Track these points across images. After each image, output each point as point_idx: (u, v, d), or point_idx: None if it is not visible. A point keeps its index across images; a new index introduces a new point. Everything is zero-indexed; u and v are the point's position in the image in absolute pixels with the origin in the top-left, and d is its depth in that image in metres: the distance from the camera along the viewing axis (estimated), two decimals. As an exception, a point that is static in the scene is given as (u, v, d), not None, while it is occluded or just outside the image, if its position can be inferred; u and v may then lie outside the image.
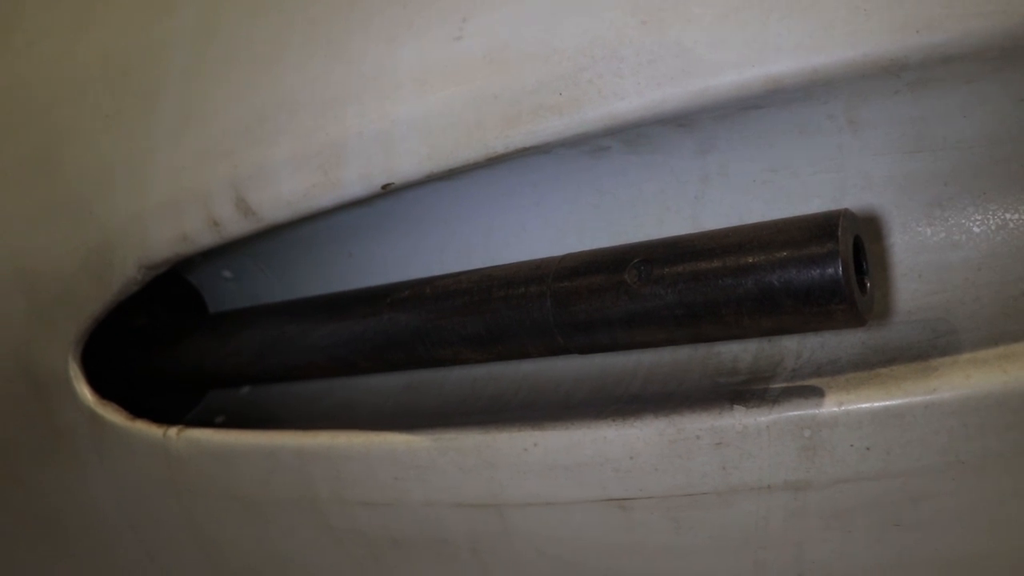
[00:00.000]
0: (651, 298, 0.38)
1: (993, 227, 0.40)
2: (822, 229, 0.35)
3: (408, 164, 0.42)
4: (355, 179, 0.43)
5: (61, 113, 0.51)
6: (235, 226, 0.45)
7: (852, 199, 0.42)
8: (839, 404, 0.38)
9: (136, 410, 0.51)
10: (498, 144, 0.41)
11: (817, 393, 0.39)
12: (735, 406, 0.40)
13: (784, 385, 0.41)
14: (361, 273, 0.52)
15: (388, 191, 0.43)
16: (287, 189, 0.44)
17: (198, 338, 0.51)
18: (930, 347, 0.40)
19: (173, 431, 0.49)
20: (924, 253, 0.41)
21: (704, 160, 0.43)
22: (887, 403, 0.38)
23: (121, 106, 0.49)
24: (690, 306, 0.37)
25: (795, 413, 0.38)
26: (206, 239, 0.46)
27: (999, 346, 0.38)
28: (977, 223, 0.40)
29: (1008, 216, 0.40)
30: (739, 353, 0.43)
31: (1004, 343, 0.38)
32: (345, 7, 0.45)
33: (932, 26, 0.36)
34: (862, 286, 0.37)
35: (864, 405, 0.38)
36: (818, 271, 0.35)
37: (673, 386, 0.43)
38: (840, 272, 0.34)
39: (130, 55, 0.50)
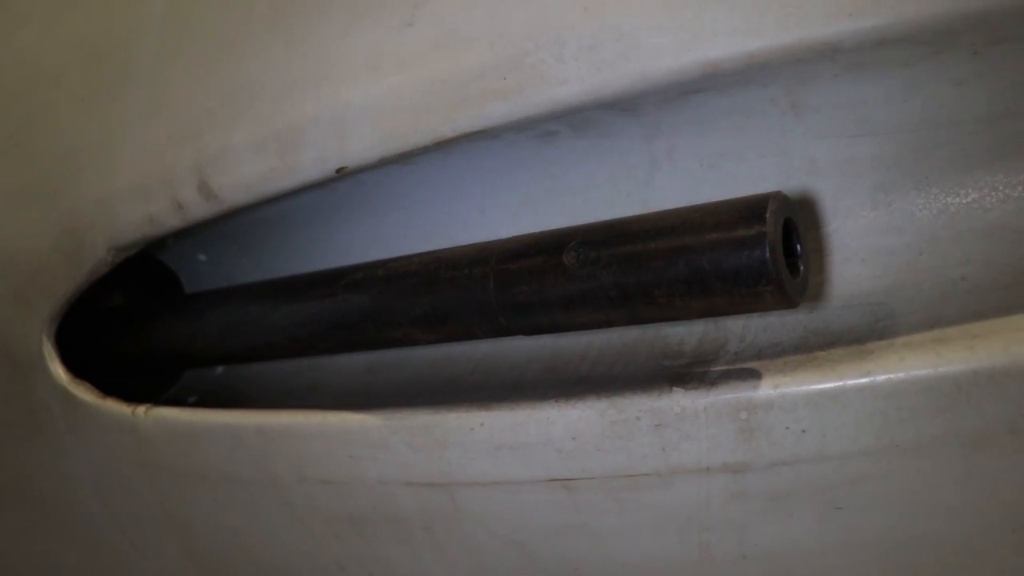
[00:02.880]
0: (587, 279, 0.38)
1: (934, 212, 0.40)
2: (751, 211, 0.35)
3: (361, 148, 0.43)
4: (311, 163, 0.44)
5: (38, 96, 0.52)
6: (198, 209, 0.46)
7: (797, 183, 0.42)
8: (775, 387, 0.39)
9: (112, 389, 0.52)
10: (446, 128, 0.42)
11: (755, 376, 0.39)
12: (674, 388, 0.40)
13: (724, 368, 0.41)
14: (330, 255, 0.53)
15: (343, 175, 0.44)
16: (247, 173, 0.45)
17: (168, 319, 0.52)
18: (869, 331, 0.40)
19: (141, 409, 0.50)
20: (867, 237, 0.41)
21: (651, 145, 0.44)
22: (822, 386, 0.38)
23: (95, 90, 0.51)
24: (624, 287, 0.38)
25: (732, 395, 0.39)
26: (172, 222, 0.47)
27: (935, 330, 0.38)
28: (919, 208, 0.40)
29: (949, 201, 0.40)
30: (685, 336, 0.44)
31: (940, 327, 0.39)
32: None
33: (865, 9, 0.36)
34: (794, 268, 0.37)
35: (800, 388, 0.38)
36: (746, 253, 0.35)
37: (619, 368, 0.44)
38: (767, 254, 0.34)
39: (104, 40, 0.52)
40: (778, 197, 0.36)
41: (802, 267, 0.37)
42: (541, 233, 0.41)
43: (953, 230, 0.40)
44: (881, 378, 0.37)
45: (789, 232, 0.37)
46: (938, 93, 0.39)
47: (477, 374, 0.47)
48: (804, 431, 0.38)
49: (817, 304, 0.42)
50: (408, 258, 0.44)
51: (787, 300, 0.36)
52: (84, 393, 0.51)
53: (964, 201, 0.40)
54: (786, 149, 0.42)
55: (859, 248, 0.41)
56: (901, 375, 0.37)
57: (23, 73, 0.54)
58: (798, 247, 0.37)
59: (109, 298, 0.56)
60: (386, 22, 0.43)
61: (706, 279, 0.36)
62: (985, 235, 0.39)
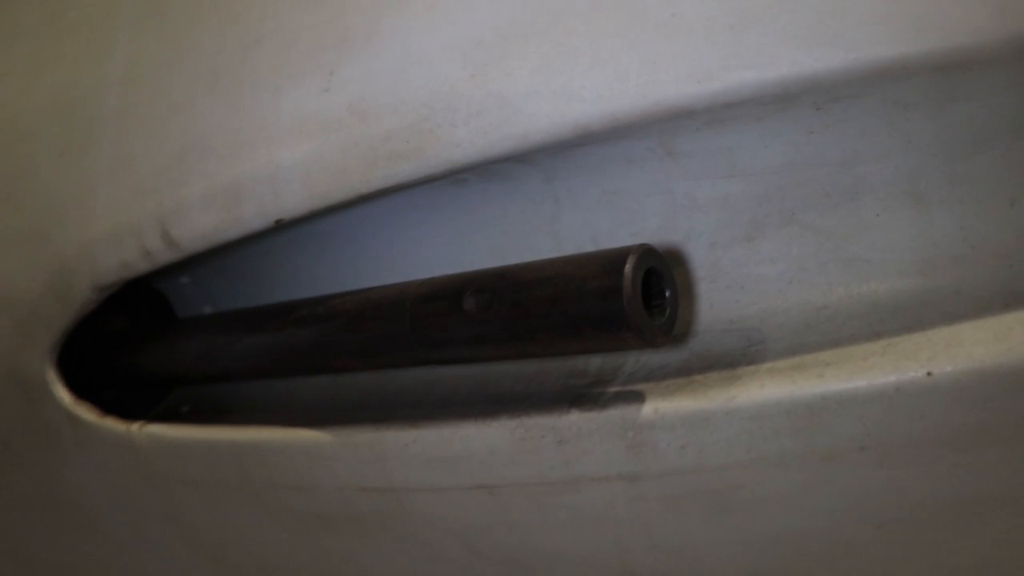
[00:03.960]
0: (483, 323, 0.43)
1: (801, 244, 0.44)
2: (612, 265, 0.40)
3: (294, 203, 0.48)
4: (253, 216, 0.50)
5: (20, 150, 0.58)
6: (163, 255, 0.52)
7: (682, 217, 0.46)
8: (655, 409, 0.44)
9: (114, 404, 0.59)
10: (361, 186, 0.47)
11: (640, 399, 0.44)
12: (572, 409, 0.45)
13: (617, 389, 0.46)
14: (292, 282, 0.58)
15: (282, 225, 0.49)
16: (200, 224, 0.51)
17: (154, 344, 0.58)
18: (741, 356, 0.45)
19: (136, 426, 0.57)
20: (744, 267, 0.45)
21: (552, 186, 0.48)
22: (695, 408, 0.43)
23: (69, 145, 0.56)
24: (513, 330, 0.43)
25: (620, 416, 0.44)
26: (142, 266, 0.53)
27: (795, 357, 0.43)
28: (788, 240, 0.44)
29: (813, 234, 0.44)
30: (591, 357, 0.49)
31: (800, 354, 0.43)
32: (239, 59, 0.51)
33: (711, 77, 0.40)
34: (660, 311, 0.41)
35: (676, 410, 0.43)
36: (606, 304, 0.40)
37: (534, 386, 0.49)
38: (624, 305, 0.39)
39: (73, 98, 0.57)
40: (638, 251, 0.40)
41: (669, 310, 0.42)
42: (447, 278, 0.46)
43: (817, 261, 0.44)
44: (744, 402, 0.42)
45: (656, 279, 0.41)
46: (793, 140, 0.43)
47: (416, 392, 0.53)
48: (683, 447, 0.43)
49: (701, 327, 0.46)
50: (343, 296, 0.50)
51: (648, 343, 0.40)
52: (86, 413, 0.57)
53: (826, 234, 0.44)
54: (669, 189, 0.46)
55: (737, 276, 0.46)
56: (760, 400, 0.42)
57: (4, 127, 0.60)
58: (666, 292, 0.42)
59: (112, 320, 0.62)
60: (306, 88, 0.48)
61: (578, 325, 0.41)
62: (845, 266, 0.43)
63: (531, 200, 0.49)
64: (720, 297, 0.46)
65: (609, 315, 0.40)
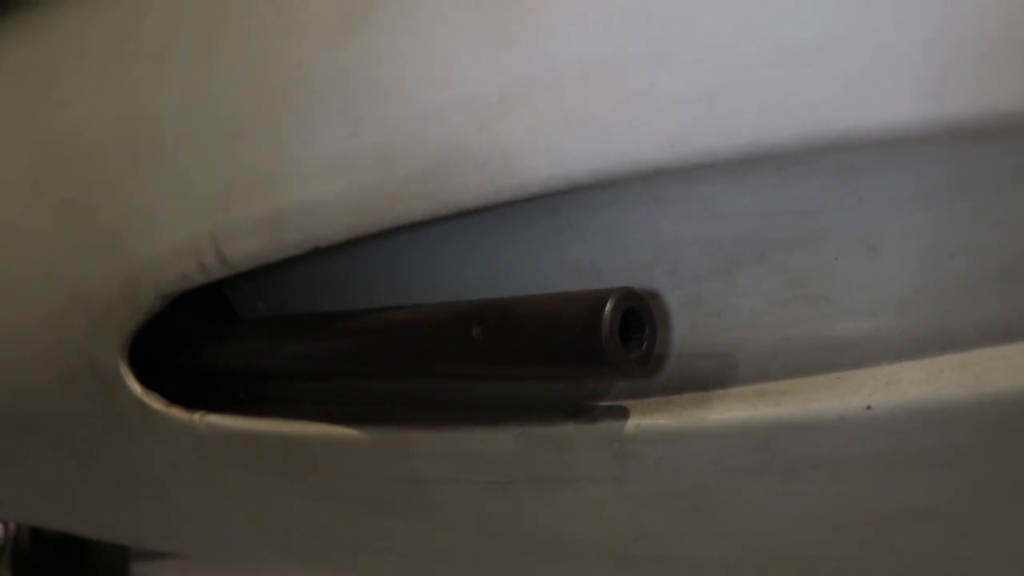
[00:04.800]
0: (487, 350, 0.50)
1: (772, 280, 0.50)
2: (594, 306, 0.46)
3: (327, 233, 0.55)
4: (293, 242, 0.56)
5: (92, 165, 0.66)
6: (218, 271, 0.60)
7: (669, 251, 0.52)
8: (637, 425, 0.50)
9: (179, 394, 0.67)
10: (385, 221, 0.53)
11: (624, 414, 0.51)
12: (568, 421, 0.52)
13: (607, 404, 0.52)
14: (329, 284, 0.66)
15: (318, 251, 0.56)
16: (249, 246, 0.58)
17: (213, 342, 0.66)
18: (715, 379, 0.50)
19: (197, 416, 0.65)
20: (723, 297, 0.51)
21: (555, 220, 0.54)
22: (670, 426, 0.49)
23: (135, 164, 0.64)
24: (511, 359, 0.49)
25: (607, 429, 0.50)
26: (199, 279, 0.61)
27: (759, 384, 0.49)
28: (761, 275, 0.50)
29: (782, 271, 0.49)
30: (587, 372, 0.55)
31: (763, 381, 0.49)
32: (280, 98, 0.57)
33: (682, 142, 0.46)
34: (638, 345, 0.47)
35: (654, 426, 0.49)
36: (587, 341, 0.46)
37: (538, 396, 0.55)
38: (602, 343, 0.45)
39: (137, 120, 0.64)
40: (618, 294, 0.46)
41: (645, 344, 0.48)
42: (460, 306, 0.52)
43: (784, 296, 0.49)
44: (713, 423, 0.48)
45: (635, 317, 0.47)
46: (760, 192, 0.48)
47: (439, 395, 0.60)
48: (661, 458, 0.50)
49: (683, 350, 0.52)
50: (372, 314, 0.56)
51: (625, 375, 0.47)
52: (154, 402, 0.66)
53: (792, 273, 0.49)
54: (656, 227, 0.52)
55: (716, 306, 0.51)
56: (727, 421, 0.48)
57: (74, 145, 0.67)
58: (644, 330, 0.48)
59: (178, 318, 0.70)
60: (338, 130, 0.54)
61: (564, 359, 0.47)
62: (808, 303, 0.49)
63: (538, 232, 0.55)
64: (700, 324, 0.51)
65: (590, 351, 0.46)
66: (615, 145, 0.47)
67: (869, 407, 0.45)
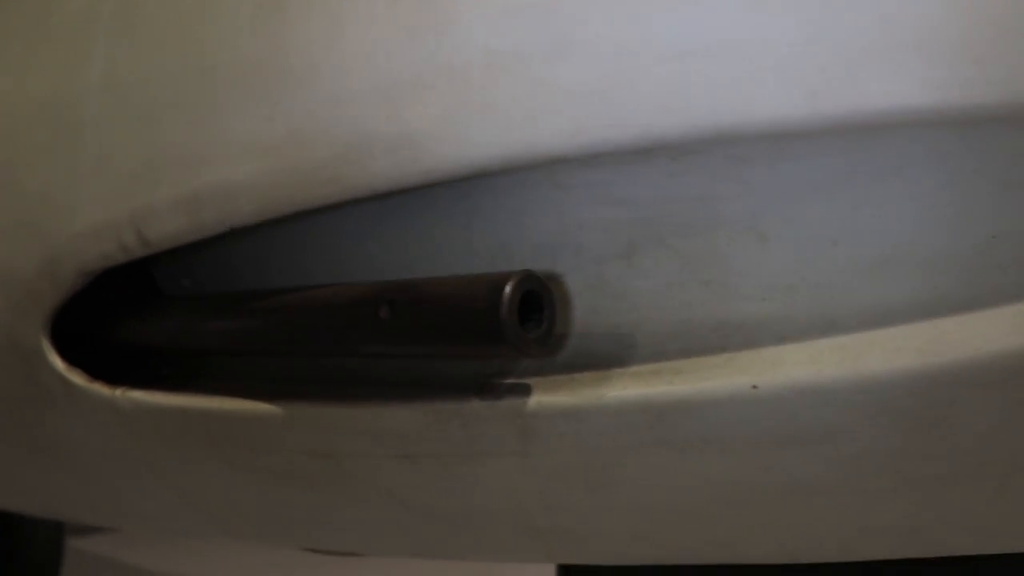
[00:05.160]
0: (394, 330, 0.52)
1: (670, 263, 0.52)
2: (494, 288, 0.48)
3: (243, 215, 0.56)
4: (211, 223, 0.58)
5: (12, 144, 0.67)
6: (138, 251, 0.61)
7: (572, 234, 0.54)
8: (539, 402, 0.52)
9: (103, 370, 0.68)
10: (299, 204, 0.55)
11: (527, 392, 0.53)
12: (474, 398, 0.54)
13: (513, 381, 0.54)
14: (253, 262, 0.67)
15: (236, 231, 0.58)
16: (168, 227, 0.59)
17: (136, 318, 0.67)
18: (614, 358, 0.53)
19: (120, 391, 0.66)
20: (625, 280, 0.53)
21: (464, 203, 0.56)
22: (569, 403, 0.51)
23: (55, 144, 0.64)
24: (416, 338, 0.51)
25: (511, 406, 0.52)
26: (120, 257, 0.62)
27: (655, 363, 0.51)
28: (660, 259, 0.52)
29: (679, 256, 0.52)
30: (495, 350, 0.57)
31: (659, 361, 0.51)
32: (198, 81, 0.58)
33: (579, 133, 0.47)
34: (537, 326, 0.49)
35: (554, 404, 0.52)
36: (487, 322, 0.48)
37: (447, 374, 0.57)
38: (500, 324, 0.47)
39: (58, 99, 0.65)
40: (518, 276, 0.48)
41: (544, 325, 0.50)
42: (370, 286, 0.54)
43: (681, 280, 0.52)
44: (611, 400, 0.50)
45: (535, 299, 0.49)
46: (657, 181, 0.50)
47: (353, 372, 0.61)
48: (561, 434, 0.52)
49: (585, 330, 0.54)
50: (288, 293, 0.58)
51: (524, 355, 0.49)
52: (76, 378, 0.67)
53: (689, 258, 0.51)
54: (561, 211, 0.54)
55: (617, 288, 0.53)
56: (623, 399, 0.50)
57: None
58: (544, 309, 0.50)
59: (101, 294, 0.70)
60: (254, 114, 0.56)
61: (465, 339, 0.49)
62: (702, 286, 0.51)
63: (447, 214, 0.56)
64: (602, 305, 0.54)
65: (489, 331, 0.48)
66: (517, 134, 0.48)
67: (755, 387, 0.47)
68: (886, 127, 0.44)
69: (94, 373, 0.68)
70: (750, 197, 0.49)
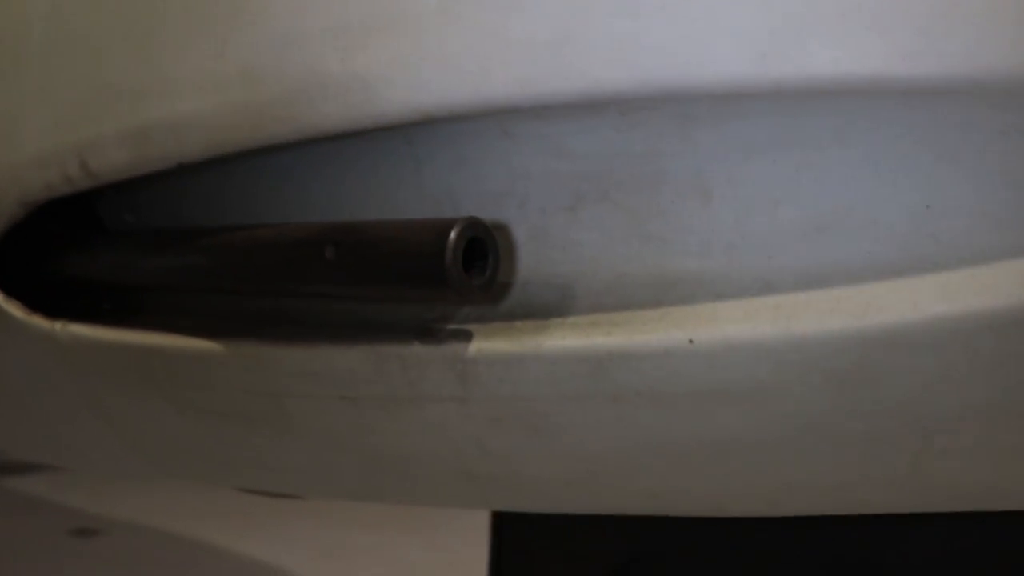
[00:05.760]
0: (339, 271, 0.52)
1: (613, 217, 0.53)
2: (439, 233, 0.48)
3: (192, 151, 0.56)
4: (158, 158, 0.57)
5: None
6: (83, 182, 0.60)
7: (519, 184, 0.54)
8: (479, 348, 0.53)
9: (43, 302, 0.68)
10: (249, 142, 0.55)
11: (468, 337, 0.53)
12: (415, 341, 0.54)
13: (454, 327, 0.55)
14: (201, 198, 0.67)
15: (184, 167, 0.57)
16: (114, 160, 0.59)
17: (77, 252, 0.67)
18: (554, 308, 0.53)
19: (59, 325, 0.65)
20: (568, 231, 0.54)
21: (413, 148, 0.56)
22: (509, 350, 0.52)
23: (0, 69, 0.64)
24: (360, 280, 0.51)
25: (451, 351, 0.53)
26: (64, 189, 0.61)
27: (594, 315, 0.52)
28: (603, 212, 0.53)
29: (622, 212, 0.52)
30: (443, 294, 0.57)
31: (598, 312, 0.52)
32: (148, 13, 0.58)
33: (529, 83, 0.48)
34: (481, 273, 0.50)
35: (494, 350, 0.52)
36: (431, 266, 0.48)
37: (390, 316, 0.58)
38: (444, 269, 0.48)
39: (3, 24, 0.64)
40: (463, 223, 0.49)
41: (488, 272, 0.50)
42: (316, 226, 0.54)
43: (623, 234, 0.52)
44: (549, 349, 0.51)
45: (480, 245, 0.50)
46: (604, 135, 0.51)
47: (296, 312, 0.62)
48: (500, 380, 0.53)
49: (528, 279, 0.55)
50: (234, 231, 0.58)
51: (467, 300, 0.49)
52: (14, 310, 0.66)
53: (632, 213, 0.52)
54: (508, 160, 0.54)
55: (560, 240, 0.54)
56: (561, 348, 0.51)
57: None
58: (488, 256, 0.50)
59: (49, 226, 0.70)
60: (204, 50, 0.55)
61: (409, 282, 0.50)
62: (643, 241, 0.52)
63: (396, 158, 0.57)
64: (545, 256, 0.54)
65: (433, 276, 0.48)
66: (468, 82, 0.49)
67: (691, 341, 0.48)
68: (831, 93, 0.45)
69: (34, 306, 0.67)
70: (696, 155, 0.49)
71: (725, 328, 0.48)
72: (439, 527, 2.16)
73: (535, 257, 0.55)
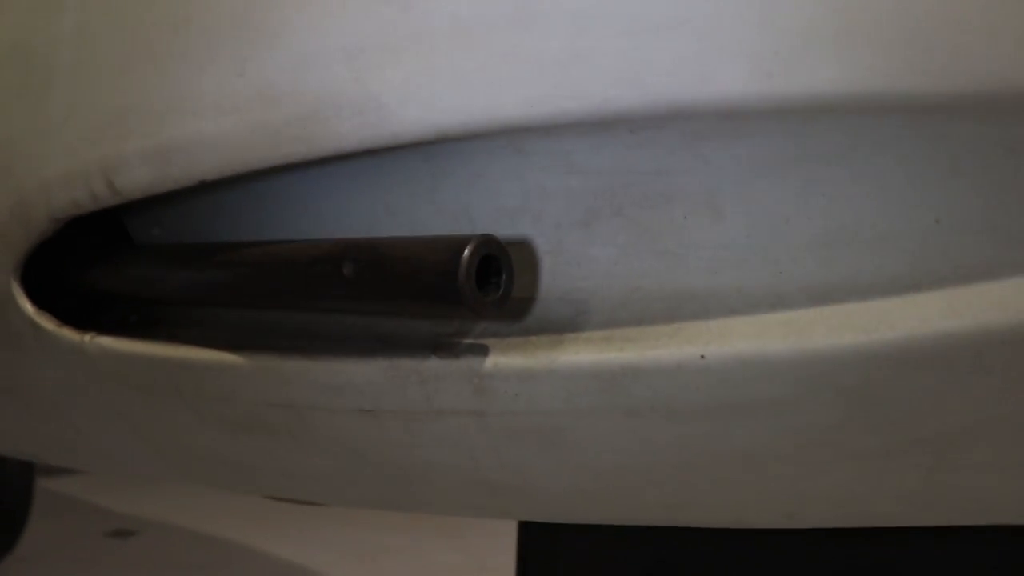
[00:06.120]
0: (357, 287, 0.53)
1: (626, 234, 0.53)
2: (454, 251, 0.49)
3: (212, 169, 0.57)
4: (180, 175, 0.58)
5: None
6: (108, 200, 0.61)
7: (534, 200, 0.55)
8: (495, 363, 0.53)
9: (72, 314, 0.69)
10: (267, 161, 0.55)
11: (485, 351, 0.54)
12: (432, 356, 0.55)
13: (470, 341, 0.56)
14: (222, 214, 0.68)
15: (205, 184, 0.58)
16: (138, 177, 0.60)
17: (105, 266, 0.68)
18: (569, 323, 0.54)
19: (88, 337, 0.67)
20: (581, 247, 0.54)
21: (429, 165, 0.57)
22: (524, 365, 0.53)
23: (28, 89, 0.65)
24: (378, 296, 0.52)
25: (468, 366, 0.54)
26: (90, 206, 0.62)
27: (608, 330, 0.52)
28: (616, 228, 0.53)
29: (635, 227, 0.53)
30: (454, 311, 0.58)
31: (612, 328, 0.52)
32: (170, 35, 0.59)
33: (540, 103, 0.48)
34: (495, 289, 0.51)
35: (509, 365, 0.53)
36: (446, 284, 0.49)
37: (407, 331, 0.59)
38: (459, 286, 0.49)
39: (31, 44, 0.65)
40: (477, 240, 0.49)
41: (502, 289, 0.51)
42: (335, 243, 0.55)
43: (637, 249, 0.53)
44: (563, 364, 0.52)
45: (494, 263, 0.50)
46: (616, 152, 0.51)
47: (316, 326, 0.62)
48: (516, 395, 0.53)
49: (543, 294, 0.56)
50: (253, 247, 0.59)
51: (481, 316, 0.50)
52: (46, 323, 0.68)
53: (645, 228, 0.53)
54: (522, 176, 0.55)
55: (575, 255, 0.55)
56: (575, 363, 0.51)
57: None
58: (503, 272, 0.51)
59: (73, 240, 0.71)
60: (224, 70, 0.56)
61: (425, 299, 0.50)
62: (657, 257, 0.52)
63: (413, 175, 0.57)
64: (560, 271, 0.55)
65: (447, 293, 0.49)
66: (480, 101, 0.49)
67: (703, 356, 0.49)
68: (837, 110, 0.45)
69: (64, 318, 0.69)
70: (706, 172, 0.50)
71: (737, 344, 0.48)
72: (468, 531, 2.17)
73: (551, 272, 0.55)
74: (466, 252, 0.49)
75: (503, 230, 0.55)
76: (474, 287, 0.49)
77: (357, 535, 2.20)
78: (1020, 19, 0.42)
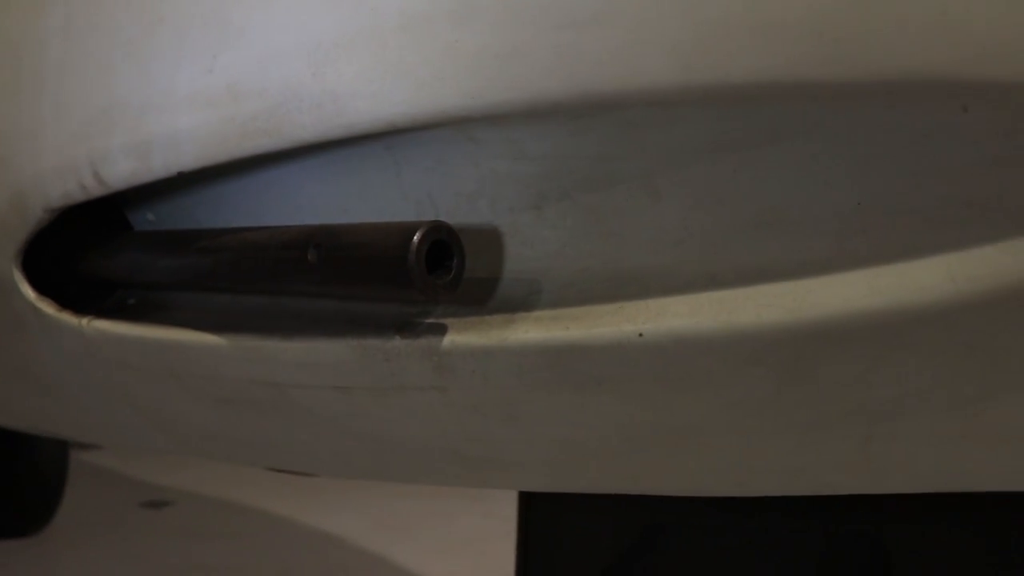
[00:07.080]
0: (320, 271, 0.56)
1: (574, 216, 0.55)
2: (404, 237, 0.52)
3: (189, 160, 0.61)
4: (161, 167, 0.62)
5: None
6: (96, 190, 0.65)
7: (489, 185, 0.57)
8: (452, 341, 0.56)
9: (73, 299, 0.73)
10: (237, 153, 0.59)
11: (444, 330, 0.57)
12: (396, 335, 0.58)
13: (432, 320, 0.58)
14: (209, 201, 0.71)
15: (184, 175, 0.62)
16: (123, 169, 0.63)
17: (100, 252, 0.72)
18: (522, 302, 0.57)
19: (86, 320, 0.71)
20: (533, 229, 0.57)
21: (392, 153, 0.59)
22: (479, 343, 0.56)
23: (20, 85, 0.69)
24: (339, 280, 0.55)
25: (428, 344, 0.57)
26: (80, 196, 0.66)
27: (556, 309, 0.55)
28: (564, 210, 0.56)
29: (582, 210, 0.55)
30: (419, 292, 0.61)
31: (559, 307, 0.55)
32: (146, 33, 0.62)
33: (481, 95, 0.51)
34: (447, 273, 0.53)
35: (466, 343, 0.56)
36: (398, 268, 0.52)
37: (375, 312, 0.62)
38: (408, 270, 0.51)
39: (21, 42, 0.69)
40: (427, 226, 0.52)
41: (453, 273, 0.53)
42: (302, 230, 0.58)
43: (584, 231, 0.55)
44: (514, 342, 0.54)
45: (445, 247, 0.53)
46: (559, 139, 0.54)
47: (292, 309, 0.66)
48: (473, 371, 0.56)
49: (499, 274, 0.58)
50: (230, 234, 0.62)
51: (433, 299, 0.53)
52: (47, 307, 0.72)
53: (591, 211, 0.55)
54: (478, 163, 0.57)
55: (528, 236, 0.57)
56: (524, 341, 0.54)
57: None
58: (454, 257, 0.54)
59: (78, 226, 0.75)
60: (196, 67, 0.59)
61: (380, 282, 0.53)
62: (602, 238, 0.55)
63: (378, 163, 0.60)
64: (515, 252, 0.57)
65: (400, 277, 0.52)
66: (426, 93, 0.52)
67: (641, 334, 0.51)
68: (756, 99, 0.47)
69: (64, 302, 0.73)
70: (643, 157, 0.52)
71: (672, 322, 0.51)
72: (496, 496, 2.21)
73: (507, 254, 0.58)
74: (415, 238, 0.51)
75: (462, 214, 0.58)
76: (424, 271, 0.52)
77: (386, 503, 2.26)
78: (927, 6, 0.44)
